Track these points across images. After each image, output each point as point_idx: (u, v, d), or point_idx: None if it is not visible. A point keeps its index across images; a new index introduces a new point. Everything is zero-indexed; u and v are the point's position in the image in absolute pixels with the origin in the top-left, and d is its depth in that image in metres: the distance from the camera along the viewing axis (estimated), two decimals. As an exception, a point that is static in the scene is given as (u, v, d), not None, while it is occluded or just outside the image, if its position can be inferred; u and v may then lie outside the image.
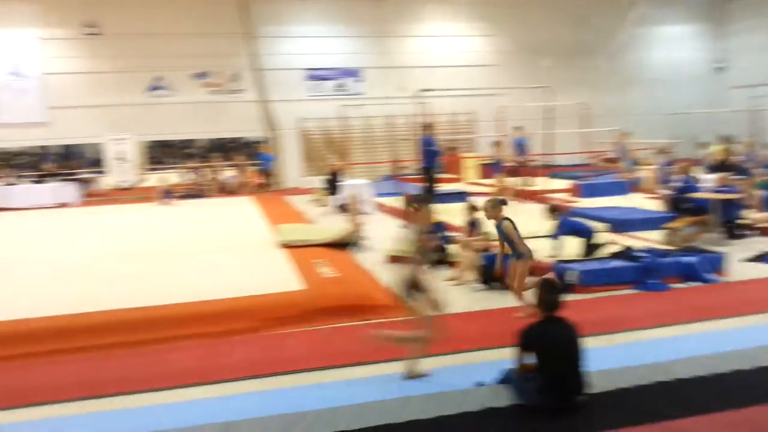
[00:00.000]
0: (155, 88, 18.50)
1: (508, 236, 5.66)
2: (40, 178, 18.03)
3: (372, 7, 19.48)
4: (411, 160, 15.24)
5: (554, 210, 7.64)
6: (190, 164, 20.57)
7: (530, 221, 9.81)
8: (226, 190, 18.43)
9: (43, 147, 20.75)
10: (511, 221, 5.70)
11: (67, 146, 20.87)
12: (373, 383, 4.39)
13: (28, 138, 18.55)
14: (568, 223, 7.61)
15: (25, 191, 17.06)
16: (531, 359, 3.75)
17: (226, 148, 23.71)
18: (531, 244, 7.64)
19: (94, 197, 17.84)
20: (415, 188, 11.73)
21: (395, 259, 8.26)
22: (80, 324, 5.74)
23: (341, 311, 6.11)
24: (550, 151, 14.06)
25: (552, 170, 14.96)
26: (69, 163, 20.89)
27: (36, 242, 10.83)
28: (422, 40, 20.05)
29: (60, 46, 18.08)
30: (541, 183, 13.05)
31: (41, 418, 4.04)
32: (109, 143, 18.34)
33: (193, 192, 17.76)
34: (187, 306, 6.13)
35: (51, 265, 8.54)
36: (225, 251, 9.09)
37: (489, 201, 5.85)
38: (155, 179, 17.80)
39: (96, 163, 20.55)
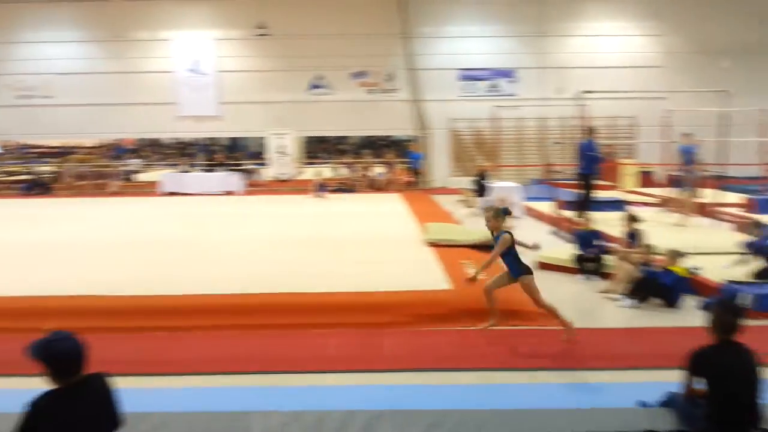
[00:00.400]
0: (315, 87, 19.41)
1: (500, 247, 5.21)
2: (210, 167, 19.64)
3: (531, 6, 19.01)
4: (565, 164, 14.65)
5: (758, 226, 6.94)
6: (342, 160, 21.42)
7: (700, 237, 9.11)
8: (375, 186, 18.91)
9: (211, 138, 22.64)
10: (511, 235, 5.23)
11: (233, 138, 22.60)
12: (522, 390, 4.28)
13: (201, 130, 20.30)
14: (764, 243, 6.83)
15: (196, 178, 18.66)
16: (700, 384, 3.44)
17: (376, 146, 24.44)
18: (702, 261, 7.13)
19: (255, 187, 19.11)
20: (569, 194, 11.29)
21: (545, 266, 8.07)
22: (237, 303, 6.17)
23: (487, 314, 6.02)
24: (724, 161, 12.88)
25: (724, 182, 13.68)
26: (234, 154, 22.63)
27: (208, 226, 11.80)
28: (583, 40, 19.22)
29: (233, 46, 19.54)
30: (711, 196, 12.00)
31: (202, 387, 4.40)
32: (271, 137, 19.51)
33: (345, 186, 18.41)
34: (339, 296, 6.35)
35: (217, 248, 9.27)
36: (374, 245, 9.32)
37: (490, 210, 5.44)
38: (310, 173, 18.70)
39: (257, 155, 22.05)
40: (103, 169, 20.74)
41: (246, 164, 20.88)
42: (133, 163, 23.28)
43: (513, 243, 5.21)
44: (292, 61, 19.03)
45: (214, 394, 4.19)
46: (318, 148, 26.33)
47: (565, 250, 8.32)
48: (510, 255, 5.26)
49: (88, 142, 23.87)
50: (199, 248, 9.25)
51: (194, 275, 7.35)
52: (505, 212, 5.40)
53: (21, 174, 21.32)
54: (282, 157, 19.52)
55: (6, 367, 4.73)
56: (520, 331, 5.74)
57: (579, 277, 7.56)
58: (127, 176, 21.23)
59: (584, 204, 10.15)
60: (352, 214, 13.26)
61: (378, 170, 19.90)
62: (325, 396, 4.07)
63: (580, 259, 7.63)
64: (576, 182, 10.86)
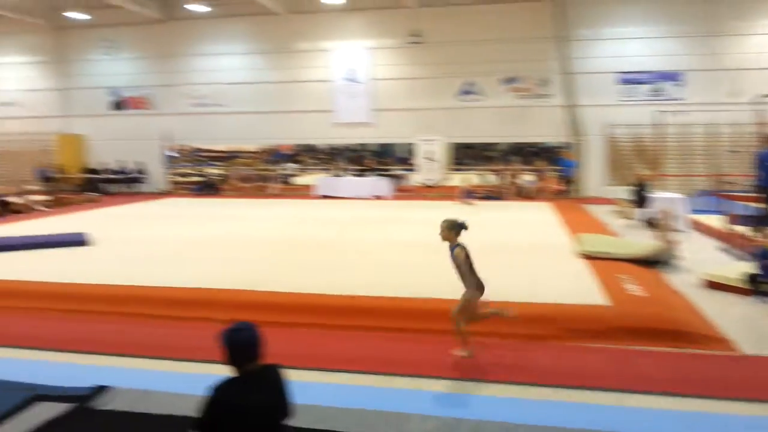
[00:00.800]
0: (465, 93, 19.40)
1: (457, 264, 4.96)
2: (361, 172, 20.32)
3: (701, 5, 17.59)
4: (739, 175, 13.39)
5: None
6: (490, 167, 21.18)
7: None
8: (523, 194, 18.52)
9: (362, 144, 23.37)
10: (464, 249, 4.98)
11: (382, 144, 23.16)
12: (694, 418, 3.98)
13: (354, 136, 21.03)
14: None
15: (348, 183, 19.42)
16: None
17: (525, 153, 23.86)
18: None
19: (403, 192, 19.49)
20: (744, 207, 10.32)
21: (713, 285, 7.43)
22: (391, 306, 6.31)
23: (648, 334, 5.68)
24: None
25: None
26: (383, 159, 23.21)
27: (361, 228, 12.23)
28: (761, 39, 17.43)
29: (386, 55, 20.07)
30: None
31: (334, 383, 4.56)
32: (419, 143, 19.78)
33: (492, 194, 18.22)
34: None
35: (370, 250, 9.56)
36: (523, 254, 9.12)
37: (445, 221, 5.05)
38: (457, 179, 18.72)
39: (404, 160, 22.45)
40: (264, 172, 22.23)
41: (394, 170, 21.36)
42: (290, 167, 24.70)
43: (467, 256, 5.03)
44: (444, 67, 19.19)
45: (376, 393, 4.33)
46: (465, 155, 26.24)
47: (735, 269, 7.62)
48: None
49: (251, 147, 25.64)
50: (354, 250, 9.59)
51: (353, 275, 7.63)
52: (461, 226, 5.09)
53: (193, 175, 23.45)
54: (430, 163, 19.72)
55: (190, 352, 5.24)
56: (689, 355, 5.33)
57: (753, 298, 6.88)
58: (285, 179, 22.59)
59: (765, 219, 9.22)
60: (499, 221, 13.08)
61: (527, 178, 19.46)
62: (482, 405, 4.05)
63: (755, 279, 6.95)
64: (754, 195, 9.89)
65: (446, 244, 5.08)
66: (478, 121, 19.22)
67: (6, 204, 15.99)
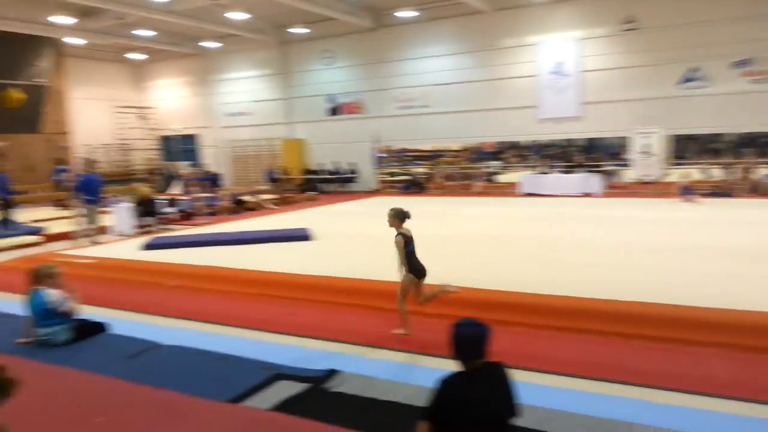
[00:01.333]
0: (689, 80, 17.68)
1: (397, 249, 5.61)
2: (568, 169, 19.56)
3: None
4: None
5: None
6: (717, 160, 19.13)
7: None
8: (759, 190, 16.44)
9: (568, 139, 22.48)
10: (404, 236, 5.60)
11: (590, 139, 22.07)
12: None
13: (560, 131, 20.28)
14: None
15: (555, 180, 18.83)
16: None
17: (760, 143, 21.11)
18: None
19: (615, 189, 18.38)
20: None
21: None
22: (602, 309, 5.95)
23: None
24: None
25: None
26: (592, 155, 22.10)
27: (572, 227, 11.77)
28: None
29: (597, 44, 19.04)
30: None
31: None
32: (635, 137, 18.49)
33: (720, 190, 16.44)
34: (716, 312, 5.66)
35: (580, 250, 9.16)
36: (754, 258, 8.08)
37: (392, 210, 5.73)
38: (677, 174, 17.18)
39: (616, 155, 21.12)
40: (468, 170, 22.43)
41: (605, 165, 20.23)
42: (494, 165, 24.62)
43: (405, 244, 5.60)
44: (662, 54, 17.72)
45: (600, 399, 4.14)
46: (686, 148, 23.96)
47: None
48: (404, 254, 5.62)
49: (455, 145, 26.02)
50: (566, 249, 9.27)
51: (565, 276, 7.39)
52: (404, 215, 5.68)
53: (400, 175, 24.43)
54: (646, 158, 18.33)
55: (412, 345, 5.49)
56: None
57: None
58: (488, 177, 22.57)
59: None
60: (728, 221, 11.77)
61: (763, 172, 17.21)
62: (713, 421, 3.67)
63: None
64: None
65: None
66: (702, 110, 17.45)
67: (241, 202, 18.09)
